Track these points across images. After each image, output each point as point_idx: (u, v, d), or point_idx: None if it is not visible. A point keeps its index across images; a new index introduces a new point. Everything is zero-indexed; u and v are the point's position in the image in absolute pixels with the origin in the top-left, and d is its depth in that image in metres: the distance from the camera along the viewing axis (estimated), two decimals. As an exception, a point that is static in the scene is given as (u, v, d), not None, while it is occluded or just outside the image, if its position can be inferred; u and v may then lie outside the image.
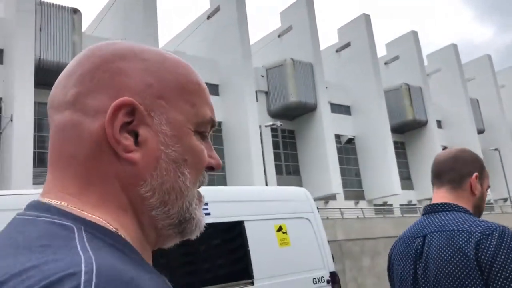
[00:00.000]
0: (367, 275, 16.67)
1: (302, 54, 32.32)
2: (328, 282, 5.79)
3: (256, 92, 31.45)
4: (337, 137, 35.13)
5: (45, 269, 0.42)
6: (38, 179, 19.51)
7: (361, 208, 28.35)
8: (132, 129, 0.56)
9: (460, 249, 1.38)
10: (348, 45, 36.85)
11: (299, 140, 32.70)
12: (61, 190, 0.56)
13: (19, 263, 0.44)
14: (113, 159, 0.56)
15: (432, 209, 1.59)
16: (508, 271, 1.29)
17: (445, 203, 1.55)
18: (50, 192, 0.56)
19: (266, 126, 23.38)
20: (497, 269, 1.31)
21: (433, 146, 37.12)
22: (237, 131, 28.07)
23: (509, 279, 1.29)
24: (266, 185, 29.91)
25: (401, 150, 39.14)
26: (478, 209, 1.61)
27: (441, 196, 1.60)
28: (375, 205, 34.56)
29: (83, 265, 0.43)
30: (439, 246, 1.45)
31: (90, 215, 0.53)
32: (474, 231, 1.40)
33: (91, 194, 0.55)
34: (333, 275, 5.90)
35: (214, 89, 29.54)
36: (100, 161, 0.56)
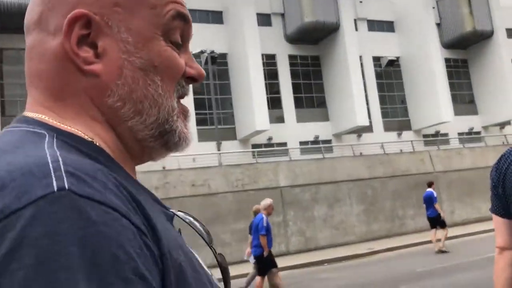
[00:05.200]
0: (321, 227, 13.77)
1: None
2: None
3: (270, 15, 27.91)
4: (376, 59, 30.40)
5: (15, 162, 0.45)
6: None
7: (399, 141, 24.46)
8: (92, 41, 0.56)
9: None
10: None
11: (324, 67, 28.75)
12: (39, 104, 0.57)
13: None
14: (78, 74, 0.56)
15: None
16: None
17: None
18: (30, 107, 0.58)
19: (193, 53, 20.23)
20: None
21: (500, 61, 30.56)
22: (240, 62, 25.22)
23: None
24: (282, 121, 27.04)
25: (462, 69, 33.00)
26: None
27: None
28: (424, 135, 29.88)
29: (48, 157, 0.46)
30: None
31: (65, 126, 0.55)
32: None
33: (66, 107, 0.56)
34: None
35: (218, 17, 26.63)
36: (66, 76, 0.56)
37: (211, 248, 0.66)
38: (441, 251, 11.07)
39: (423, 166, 15.48)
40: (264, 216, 7.49)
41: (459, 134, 30.41)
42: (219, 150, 17.99)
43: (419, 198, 15.18)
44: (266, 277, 7.66)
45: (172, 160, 14.40)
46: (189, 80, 0.61)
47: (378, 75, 30.32)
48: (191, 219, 0.67)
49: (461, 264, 9.12)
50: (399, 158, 15.48)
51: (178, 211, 0.65)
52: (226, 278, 0.66)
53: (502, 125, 31.70)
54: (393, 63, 30.36)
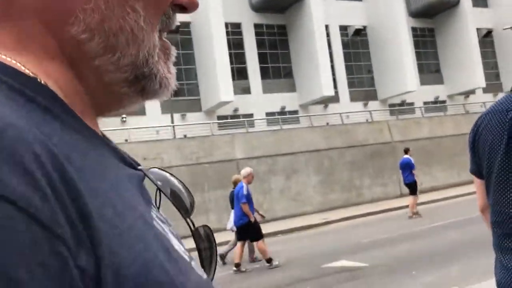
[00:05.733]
0: (278, 198, 13.74)
1: None
2: None
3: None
4: (343, 28, 30.11)
5: None
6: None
7: (359, 111, 24.47)
8: None
9: None
10: None
11: (291, 37, 28.34)
12: None
13: None
14: None
15: None
16: None
17: None
18: None
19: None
20: None
21: (465, 30, 30.69)
22: (204, 31, 24.59)
23: None
24: (248, 92, 26.73)
25: (429, 38, 33.05)
26: None
27: None
28: (390, 105, 30.04)
29: None
30: None
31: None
32: None
33: (7, 32, 0.41)
34: None
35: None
36: None
37: (187, 222, 0.52)
38: (411, 217, 11.34)
39: (381, 136, 15.53)
40: (244, 184, 7.48)
41: (425, 103, 30.71)
42: (173, 122, 17.66)
43: (376, 168, 15.29)
44: (256, 243, 7.80)
45: (122, 133, 14.02)
46: (177, 8, 0.48)
47: (345, 45, 30.11)
48: (173, 180, 0.53)
49: (412, 233, 9.20)
50: (358, 128, 15.46)
51: (152, 167, 0.51)
52: (205, 258, 0.51)
53: (466, 94, 32.14)
54: (360, 32, 30.16)
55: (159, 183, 0.51)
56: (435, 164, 16.02)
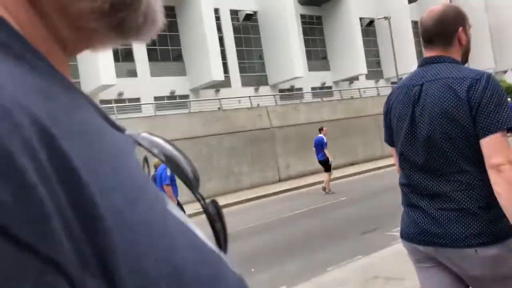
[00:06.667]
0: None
1: None
2: None
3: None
4: (233, 13, 29.91)
5: None
6: None
7: (249, 96, 24.40)
8: None
9: (454, 92, 1.69)
10: None
11: (180, 19, 27.50)
12: None
13: None
14: None
15: (428, 61, 1.83)
16: (491, 107, 1.63)
17: (440, 56, 1.81)
18: None
19: None
20: (483, 106, 1.64)
21: (350, 19, 32.16)
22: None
23: (491, 113, 1.63)
24: (134, 75, 25.55)
25: (317, 25, 34.12)
26: (466, 54, 1.87)
27: (435, 53, 1.83)
28: (280, 90, 30.61)
29: None
30: (436, 91, 1.74)
31: None
32: (466, 77, 1.70)
33: None
34: None
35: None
36: None
37: (196, 197, 0.41)
38: (327, 192, 11.81)
39: (260, 122, 15.61)
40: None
41: (313, 88, 31.84)
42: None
43: (254, 154, 15.38)
44: None
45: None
46: None
47: (236, 29, 29.98)
48: (169, 147, 0.41)
49: (272, 222, 9.25)
50: (237, 114, 15.37)
51: (142, 132, 0.40)
52: (219, 234, 0.41)
53: (351, 80, 33.88)
54: (251, 17, 30.21)
55: (155, 150, 0.39)
56: (311, 148, 16.53)
